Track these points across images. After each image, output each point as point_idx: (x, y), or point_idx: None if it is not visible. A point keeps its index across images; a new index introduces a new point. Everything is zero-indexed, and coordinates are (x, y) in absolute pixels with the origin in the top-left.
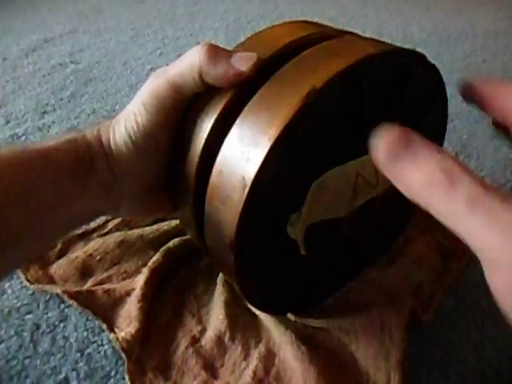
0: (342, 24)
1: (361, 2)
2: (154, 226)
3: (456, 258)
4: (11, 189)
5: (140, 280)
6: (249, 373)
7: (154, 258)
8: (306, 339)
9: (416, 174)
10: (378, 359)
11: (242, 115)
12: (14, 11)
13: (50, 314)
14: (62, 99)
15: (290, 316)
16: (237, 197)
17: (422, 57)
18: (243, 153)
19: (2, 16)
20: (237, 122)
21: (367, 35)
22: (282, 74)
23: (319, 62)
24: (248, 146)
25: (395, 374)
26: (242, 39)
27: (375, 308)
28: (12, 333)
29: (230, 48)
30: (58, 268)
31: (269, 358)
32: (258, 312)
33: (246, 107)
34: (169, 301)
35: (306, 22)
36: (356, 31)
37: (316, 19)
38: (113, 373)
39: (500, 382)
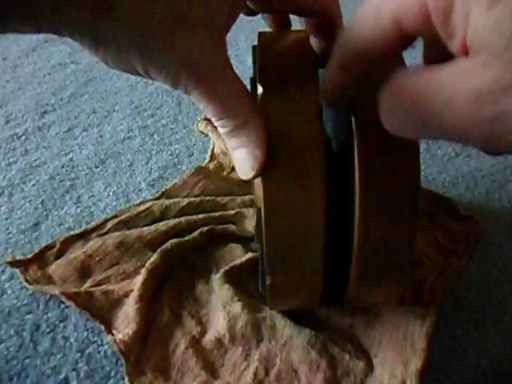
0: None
1: (361, 2)
2: (152, 227)
3: (456, 257)
4: None
5: (138, 281)
6: (249, 373)
7: (152, 259)
8: (318, 345)
9: None
10: (397, 365)
11: None
12: None
13: (49, 314)
14: (61, 99)
15: (319, 312)
16: None
17: None
18: None
19: None
20: None
21: None
22: None
23: None
24: None
25: (412, 382)
26: (243, 39)
27: (402, 315)
28: (12, 333)
29: (230, 48)
30: (56, 268)
31: (270, 358)
32: (271, 312)
33: None
34: (167, 302)
35: None
36: None
37: None
38: (113, 373)
39: (500, 382)
